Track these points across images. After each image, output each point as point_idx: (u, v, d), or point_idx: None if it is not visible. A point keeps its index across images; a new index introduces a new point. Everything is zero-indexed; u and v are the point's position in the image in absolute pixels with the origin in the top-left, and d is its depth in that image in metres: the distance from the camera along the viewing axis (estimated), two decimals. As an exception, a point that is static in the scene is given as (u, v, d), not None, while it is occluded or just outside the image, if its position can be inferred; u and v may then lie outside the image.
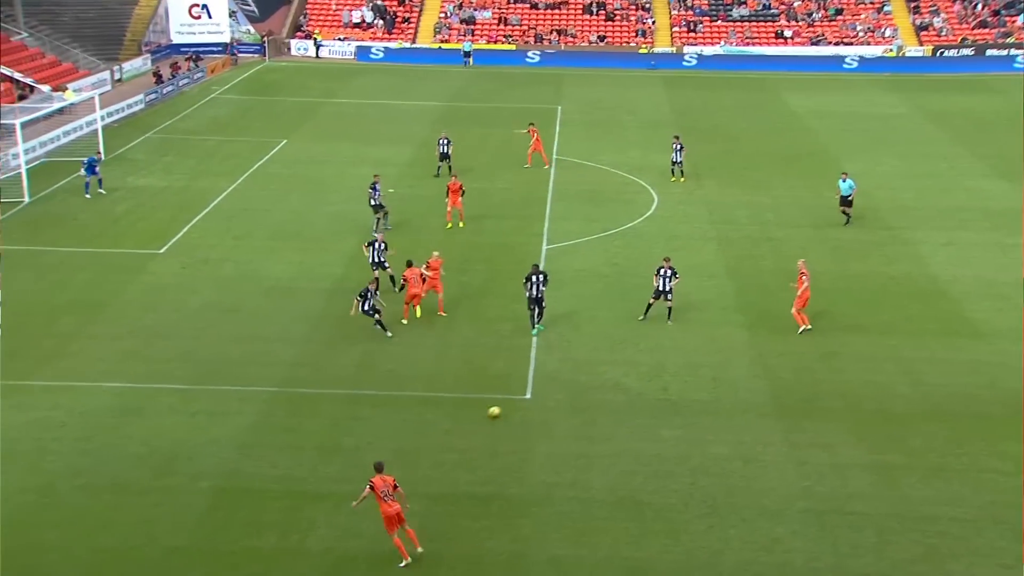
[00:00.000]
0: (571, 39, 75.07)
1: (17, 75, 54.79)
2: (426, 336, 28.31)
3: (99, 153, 42.58)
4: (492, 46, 74.58)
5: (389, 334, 27.65)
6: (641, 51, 73.15)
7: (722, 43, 73.97)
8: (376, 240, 31.01)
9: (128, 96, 56.43)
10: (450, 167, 41.94)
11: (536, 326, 28.31)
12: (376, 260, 30.59)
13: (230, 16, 74.77)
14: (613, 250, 34.95)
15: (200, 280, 32.25)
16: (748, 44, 74.03)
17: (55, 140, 47.52)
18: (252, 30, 76.38)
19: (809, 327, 28.50)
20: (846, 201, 37.09)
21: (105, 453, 22.18)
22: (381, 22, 77.05)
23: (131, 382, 25.32)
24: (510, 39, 75.09)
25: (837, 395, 25.19)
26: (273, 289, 31.47)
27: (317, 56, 74.36)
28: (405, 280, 29.35)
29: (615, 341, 27.99)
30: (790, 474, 21.74)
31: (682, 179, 42.97)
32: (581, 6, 77.96)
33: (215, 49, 72.59)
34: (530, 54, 72.95)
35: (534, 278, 28.16)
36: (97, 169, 40.38)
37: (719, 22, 76.00)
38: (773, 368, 26.50)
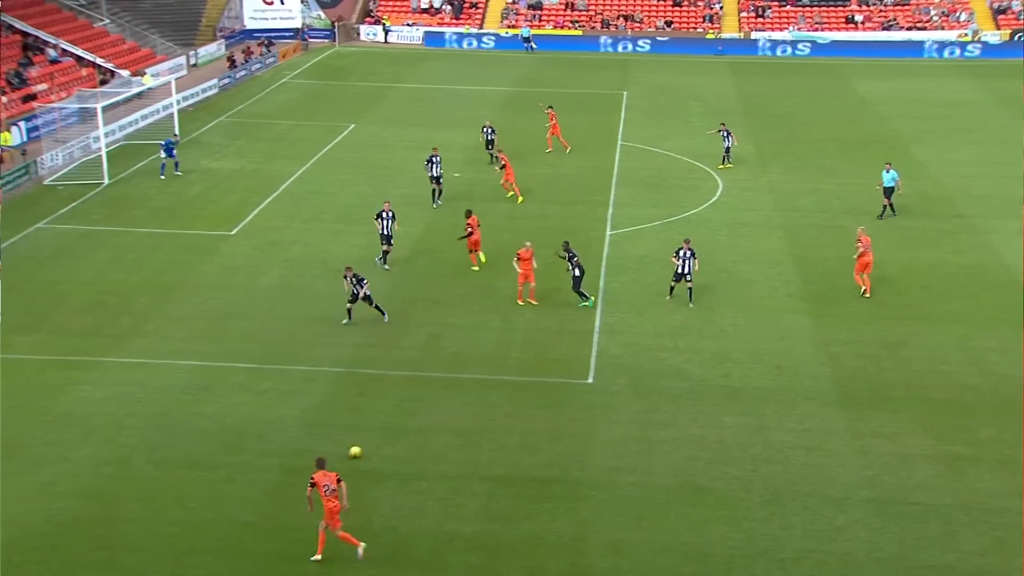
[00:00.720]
0: (638, 25, 74.41)
1: (99, 60, 55.93)
2: (490, 319, 28.30)
3: (176, 136, 43.30)
4: (558, 31, 74.25)
5: (345, 321, 27.45)
6: (708, 36, 72.23)
7: (791, 28, 72.77)
8: (383, 211, 31.34)
9: (203, 80, 57.26)
10: (493, 155, 41.43)
11: (587, 299, 28.59)
12: (385, 232, 31.12)
13: (302, 2, 75.28)
14: (677, 236, 34.56)
15: (269, 261, 32.59)
16: (817, 29, 72.71)
17: (133, 123, 48.33)
18: (323, 16, 76.80)
19: (867, 294, 28.43)
20: (888, 192, 36.28)
21: (178, 429, 22.52)
22: (449, 8, 77.00)
23: (203, 360, 25.69)
24: (576, 24, 74.58)
25: (903, 384, 24.73)
26: (339, 271, 31.47)
27: (386, 41, 74.70)
28: (470, 228, 30.59)
29: (678, 327, 27.76)
30: (854, 463, 21.41)
31: (729, 165, 42.35)
32: (649, -9, 77.38)
33: (286, 34, 73.24)
34: (596, 39, 72.34)
35: (575, 258, 28.71)
36: (174, 152, 41.06)
37: (788, 7, 74.76)
38: (837, 356, 26.10)
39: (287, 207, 37.66)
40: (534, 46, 71.62)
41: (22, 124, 46.02)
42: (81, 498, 19.81)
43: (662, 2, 76.23)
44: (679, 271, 28.85)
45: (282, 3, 74.04)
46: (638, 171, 42.58)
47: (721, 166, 42.63)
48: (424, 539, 18.99)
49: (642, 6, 76.31)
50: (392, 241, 31.45)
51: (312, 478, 18.38)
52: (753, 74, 63.69)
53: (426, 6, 77.37)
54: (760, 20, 74.01)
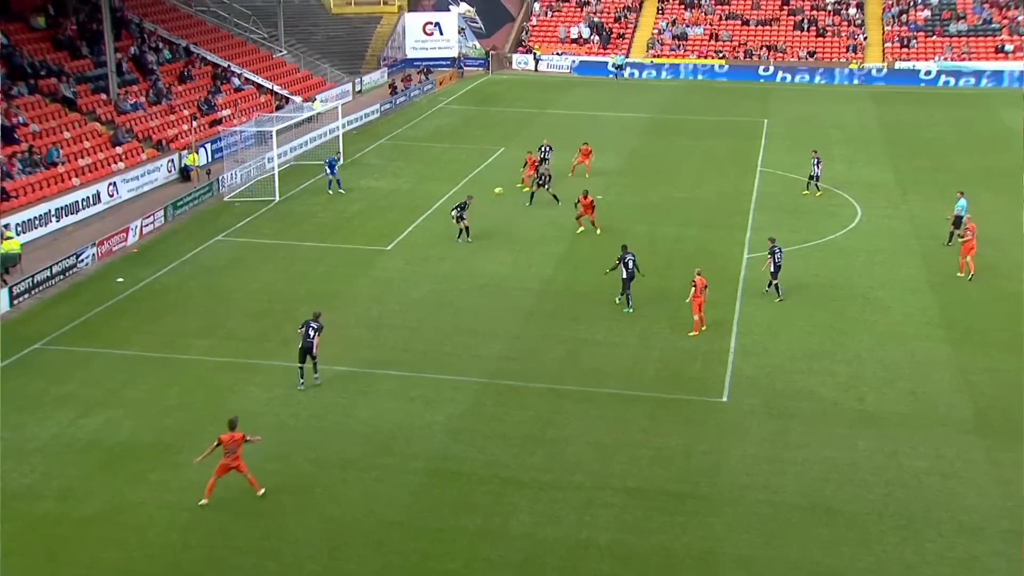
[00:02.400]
0: (781, 55, 72.97)
1: (276, 88, 57.72)
2: (627, 335, 28.13)
3: (338, 153, 44.40)
4: (702, 61, 73.45)
5: (301, 385, 24.94)
6: (851, 67, 70.22)
7: (937, 58, 70.07)
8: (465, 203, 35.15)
9: (366, 106, 58.49)
10: (547, 177, 40.26)
11: (629, 304, 29.05)
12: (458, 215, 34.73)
13: (459, 33, 76.57)
14: (814, 261, 33.78)
15: (421, 276, 33.02)
16: (965, 59, 69.78)
17: (303, 145, 49.60)
18: (478, 45, 77.91)
19: (968, 276, 29.03)
20: (958, 221, 34.78)
21: (334, 430, 22.92)
22: (597, 38, 77.11)
23: (358, 367, 26.16)
24: (720, 55, 73.69)
25: (1045, 416, 23.33)
26: (486, 287, 32.00)
27: (536, 70, 75.18)
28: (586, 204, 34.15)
29: (812, 351, 27.02)
30: (992, 492, 20.41)
31: (818, 193, 41.06)
32: (792, 22, 75.71)
33: (444, 63, 74.31)
34: (740, 69, 71.41)
35: (628, 259, 29.11)
36: (336, 169, 42.05)
37: (935, 37, 72.03)
38: (976, 384, 24.96)
39: (438, 225, 38.25)
40: (625, 75, 71.05)
41: (208, 146, 47.73)
42: (247, 490, 20.35)
43: (805, 32, 74.58)
44: (775, 267, 29.45)
45: (441, 34, 75.48)
46: (776, 197, 41.79)
47: (805, 192, 41.43)
48: (559, 546, 18.90)
49: (785, 36, 74.84)
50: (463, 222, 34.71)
51: (219, 437, 19.79)
52: (896, 103, 61.65)
53: (575, 37, 77.58)
54: (905, 50, 71.55)
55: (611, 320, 29.18)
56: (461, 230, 35.72)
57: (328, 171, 42.19)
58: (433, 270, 33.64)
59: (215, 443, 19.77)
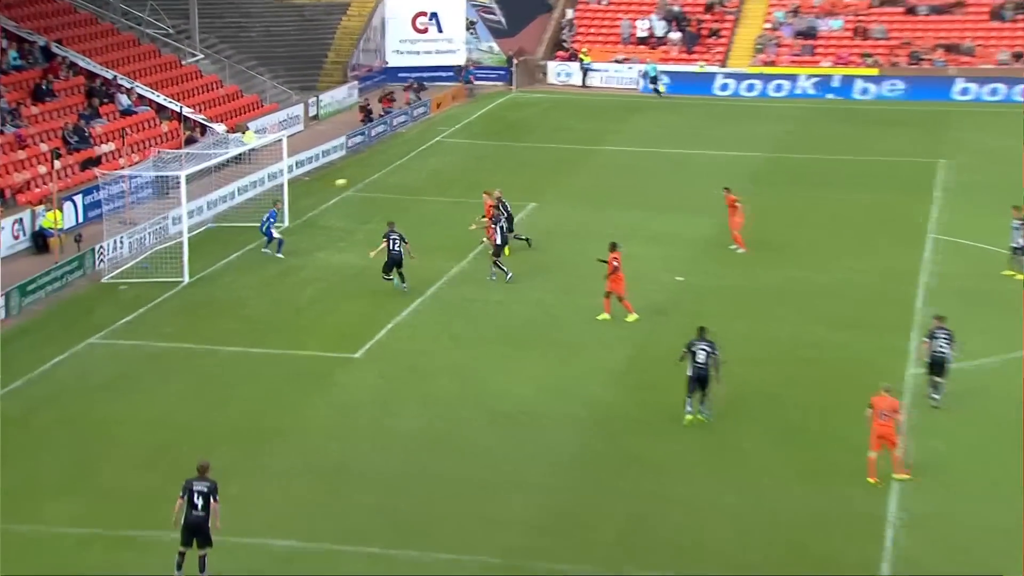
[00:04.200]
0: (967, 59, 73.31)
1: (186, 110, 57.84)
2: (722, 492, 27.90)
3: (278, 203, 45.08)
4: (841, 70, 73.93)
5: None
6: (1068, 76, 70.70)
7: None
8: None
9: (325, 139, 59.02)
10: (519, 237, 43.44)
11: (703, 413, 30.07)
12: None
13: (467, 29, 77.63)
14: (1017, 380, 33.33)
15: (405, 397, 32.85)
16: None
17: (227, 199, 49.75)
18: (495, 48, 78.85)
19: None
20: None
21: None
22: (678, 36, 77.86)
23: (306, 540, 25.82)
24: (870, 59, 74.08)
25: None
26: (505, 415, 31.79)
27: (584, 84, 76.13)
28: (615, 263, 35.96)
29: (1012, 522, 26.27)
30: None
31: (1020, 275, 41.26)
32: (988, 8, 75.97)
33: (444, 75, 75.20)
34: (901, 80, 72.47)
35: (699, 347, 30.10)
36: (272, 224, 42.97)
37: None
38: None
39: (433, 319, 38.14)
40: (661, 89, 72.32)
41: (79, 199, 47.52)
42: None
43: (1007, 24, 75.00)
44: (936, 353, 30.43)
45: (440, 31, 76.89)
46: (957, 279, 41.73)
47: (1007, 272, 41.71)
48: None
49: (973, 31, 75.16)
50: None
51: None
52: None
53: (644, 35, 78.33)
54: None
55: (697, 465, 29.04)
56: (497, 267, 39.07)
57: (266, 227, 42.78)
58: (423, 388, 33.43)
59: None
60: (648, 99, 73.01)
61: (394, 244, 39.59)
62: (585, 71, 76.27)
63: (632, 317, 37.42)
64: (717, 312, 38.13)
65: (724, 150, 60.54)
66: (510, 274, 40.93)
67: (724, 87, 74.71)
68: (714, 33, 78.37)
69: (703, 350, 30.26)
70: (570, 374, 34.35)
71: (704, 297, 40.03)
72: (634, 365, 35.01)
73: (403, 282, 39.83)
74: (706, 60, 76.44)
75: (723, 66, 76.15)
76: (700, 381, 30.34)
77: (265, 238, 43.83)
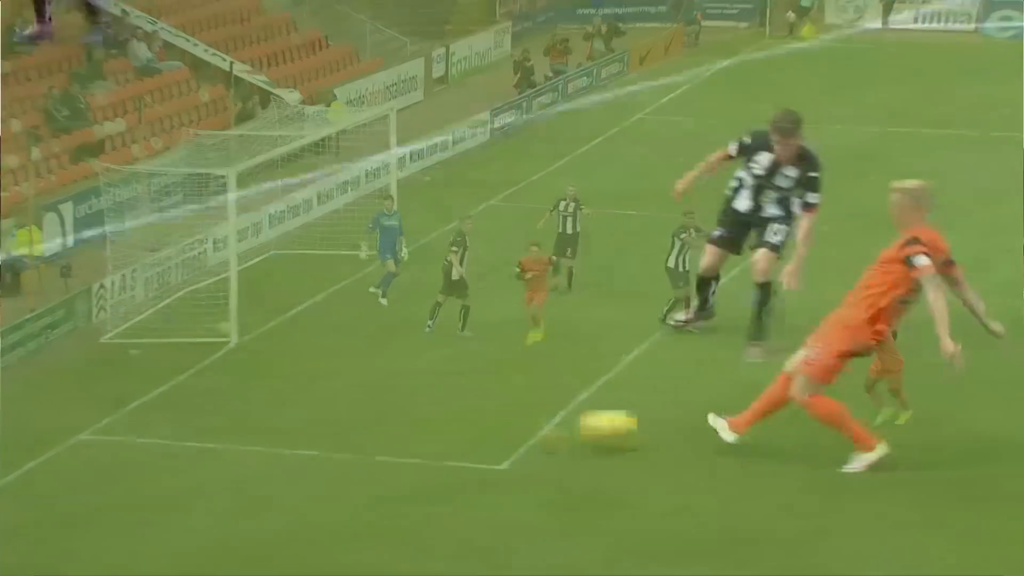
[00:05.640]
0: None
1: (239, 68, 51.08)
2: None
3: (390, 202, 38.43)
4: None
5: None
6: None
7: None
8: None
9: (458, 115, 51.18)
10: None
11: None
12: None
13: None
14: None
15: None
16: None
17: (298, 211, 42.65)
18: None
19: None
20: None
21: None
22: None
23: None
24: None
25: None
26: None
27: (884, 25, 64.56)
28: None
29: None
30: None
31: None
32: None
33: (651, 10, 65.84)
34: None
35: None
36: (395, 242, 36.91)
37: None
38: None
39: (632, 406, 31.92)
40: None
41: (67, 208, 40.67)
42: None
43: None
44: None
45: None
46: None
47: None
48: None
49: None
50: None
51: None
52: None
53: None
54: None
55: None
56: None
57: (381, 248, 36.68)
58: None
59: None
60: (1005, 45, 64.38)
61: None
62: (890, 1, 66.51)
63: None
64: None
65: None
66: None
67: None
68: None
69: None
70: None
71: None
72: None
73: (434, 319, 34.47)
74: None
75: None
76: None
77: (380, 258, 36.85)
